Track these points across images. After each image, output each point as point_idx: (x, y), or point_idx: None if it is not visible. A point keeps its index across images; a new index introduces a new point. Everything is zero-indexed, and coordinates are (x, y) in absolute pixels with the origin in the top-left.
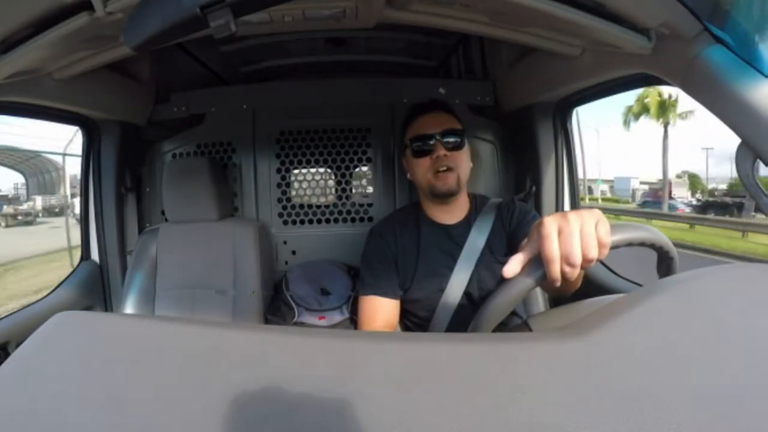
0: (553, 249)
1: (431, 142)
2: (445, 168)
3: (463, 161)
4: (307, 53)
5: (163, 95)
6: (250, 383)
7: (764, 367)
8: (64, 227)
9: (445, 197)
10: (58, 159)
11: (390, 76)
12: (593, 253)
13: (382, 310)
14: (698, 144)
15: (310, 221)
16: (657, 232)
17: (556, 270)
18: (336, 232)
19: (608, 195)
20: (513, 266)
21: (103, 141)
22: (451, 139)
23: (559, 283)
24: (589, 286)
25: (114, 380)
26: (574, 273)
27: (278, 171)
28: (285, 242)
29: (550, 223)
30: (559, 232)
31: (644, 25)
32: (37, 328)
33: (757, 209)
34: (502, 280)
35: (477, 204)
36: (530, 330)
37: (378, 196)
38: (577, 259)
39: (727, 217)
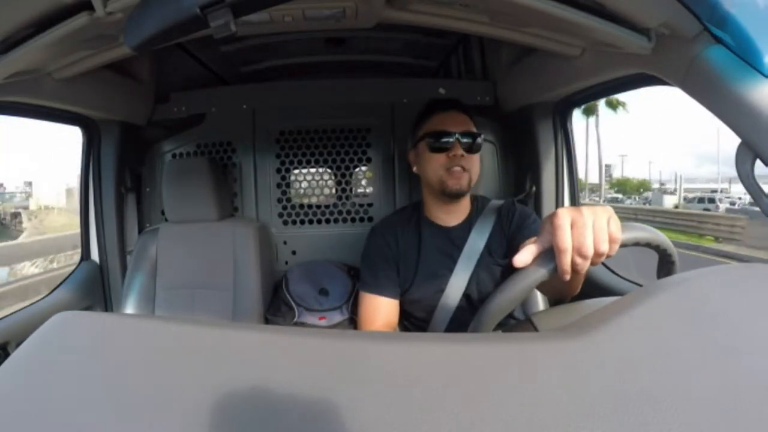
0: (566, 239)
1: (450, 140)
2: (459, 168)
3: (476, 164)
4: (307, 53)
5: (163, 95)
6: (249, 383)
7: (765, 368)
8: None
9: (453, 197)
10: None
11: (390, 77)
12: (604, 247)
13: (382, 310)
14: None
15: (310, 221)
16: (662, 235)
17: (567, 261)
18: (336, 232)
19: None
20: (524, 256)
21: (103, 141)
22: (469, 141)
23: (569, 276)
24: (589, 286)
25: (114, 380)
26: (585, 265)
27: (278, 171)
28: (285, 242)
29: (564, 215)
30: (572, 225)
31: (644, 25)
32: (37, 328)
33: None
34: (502, 282)
35: (478, 206)
36: (533, 326)
37: (378, 196)
38: (589, 251)
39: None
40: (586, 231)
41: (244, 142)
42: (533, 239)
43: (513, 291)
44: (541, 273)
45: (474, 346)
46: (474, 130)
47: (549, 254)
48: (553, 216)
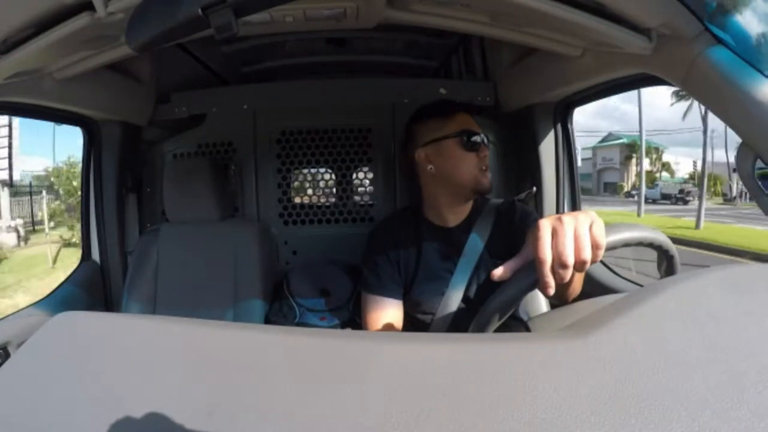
0: (544, 250)
1: (479, 140)
2: (485, 167)
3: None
4: (307, 53)
5: (163, 95)
6: (250, 383)
7: (765, 367)
8: None
9: (484, 194)
10: None
11: (391, 77)
12: (586, 255)
13: (386, 311)
14: None
15: (311, 221)
16: (655, 230)
17: (546, 272)
18: (337, 232)
19: None
20: (502, 271)
21: (104, 141)
22: (489, 142)
23: (551, 289)
24: (589, 286)
25: (115, 380)
26: (566, 275)
27: (279, 171)
28: (286, 242)
29: (545, 226)
30: (553, 234)
31: (645, 26)
32: (38, 329)
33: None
34: (500, 284)
35: (477, 206)
36: (529, 332)
37: (379, 196)
38: (569, 260)
39: None
40: (566, 240)
41: (245, 142)
42: (519, 253)
43: (499, 304)
44: (521, 287)
45: (475, 346)
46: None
47: (531, 266)
48: (534, 227)
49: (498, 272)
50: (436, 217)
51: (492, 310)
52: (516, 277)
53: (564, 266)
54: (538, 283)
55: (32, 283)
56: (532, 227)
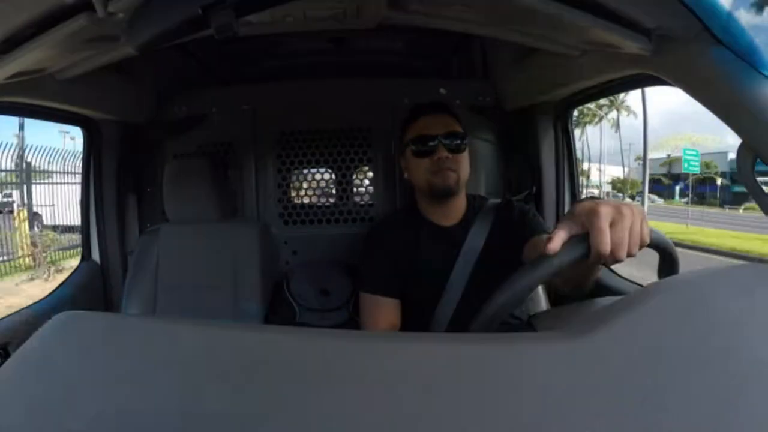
0: (606, 242)
1: (433, 144)
2: (443, 167)
3: (464, 164)
4: (307, 54)
5: (163, 95)
6: (250, 383)
7: (764, 367)
8: None
9: (443, 196)
10: None
11: (391, 77)
12: (635, 251)
13: (384, 310)
14: None
15: (311, 221)
16: (660, 233)
17: (598, 261)
18: (337, 232)
19: None
20: (554, 242)
21: (104, 141)
22: (453, 142)
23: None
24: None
25: (115, 380)
26: (610, 264)
27: (279, 171)
28: (286, 242)
29: (605, 215)
30: (611, 224)
31: (645, 26)
32: (38, 329)
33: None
34: (501, 282)
35: (475, 205)
36: (533, 328)
37: (379, 196)
38: (623, 256)
39: None
40: (624, 233)
41: (245, 142)
42: (562, 225)
43: (524, 283)
44: (571, 256)
45: (476, 346)
46: (459, 129)
47: (579, 240)
48: (591, 212)
49: (552, 245)
50: (431, 216)
51: (526, 284)
52: (562, 250)
53: (617, 259)
54: (586, 258)
55: None
56: (586, 209)
